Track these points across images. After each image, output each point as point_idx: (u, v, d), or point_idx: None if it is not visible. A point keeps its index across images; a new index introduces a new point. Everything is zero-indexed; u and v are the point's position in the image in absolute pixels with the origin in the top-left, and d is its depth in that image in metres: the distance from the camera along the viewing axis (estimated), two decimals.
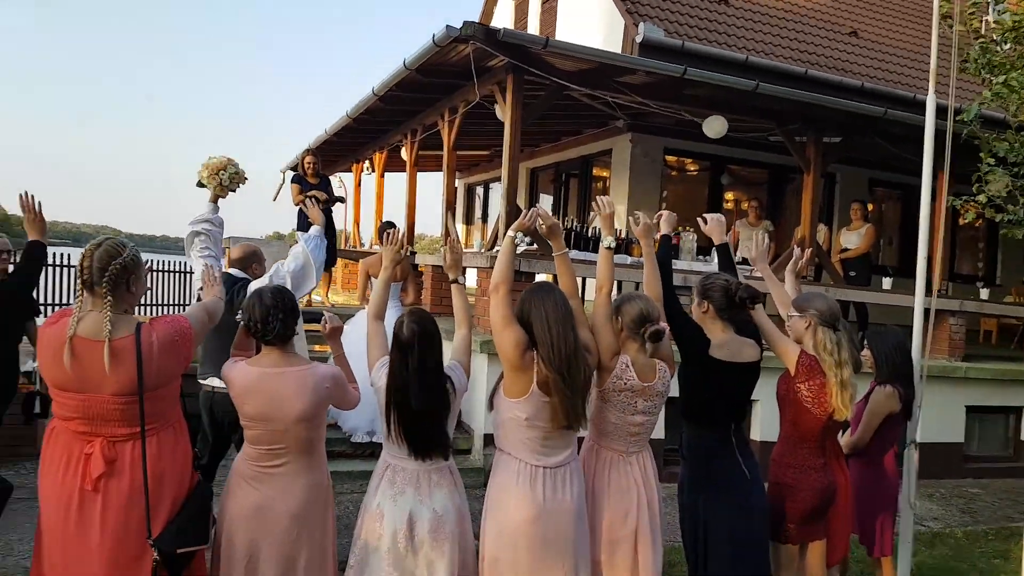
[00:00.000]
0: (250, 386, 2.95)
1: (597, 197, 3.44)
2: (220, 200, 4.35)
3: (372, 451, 6.01)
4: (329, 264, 9.28)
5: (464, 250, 7.66)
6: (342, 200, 9.47)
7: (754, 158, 10.52)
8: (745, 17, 10.66)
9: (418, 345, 2.91)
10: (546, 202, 13.42)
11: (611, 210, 3.35)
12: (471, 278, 8.55)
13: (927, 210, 4.07)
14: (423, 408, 2.90)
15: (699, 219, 3.81)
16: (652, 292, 3.32)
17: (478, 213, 16.31)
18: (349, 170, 14.31)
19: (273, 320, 2.95)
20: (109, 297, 2.65)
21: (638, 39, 9.00)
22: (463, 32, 5.80)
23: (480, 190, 16.13)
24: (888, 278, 8.38)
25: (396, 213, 11.43)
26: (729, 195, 11.16)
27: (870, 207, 10.23)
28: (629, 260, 7.26)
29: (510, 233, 3.16)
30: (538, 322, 2.87)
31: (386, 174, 12.60)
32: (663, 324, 3.10)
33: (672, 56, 8.80)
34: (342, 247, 12.47)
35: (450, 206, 8.63)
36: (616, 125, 9.86)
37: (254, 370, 2.97)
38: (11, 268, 5.45)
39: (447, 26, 5.89)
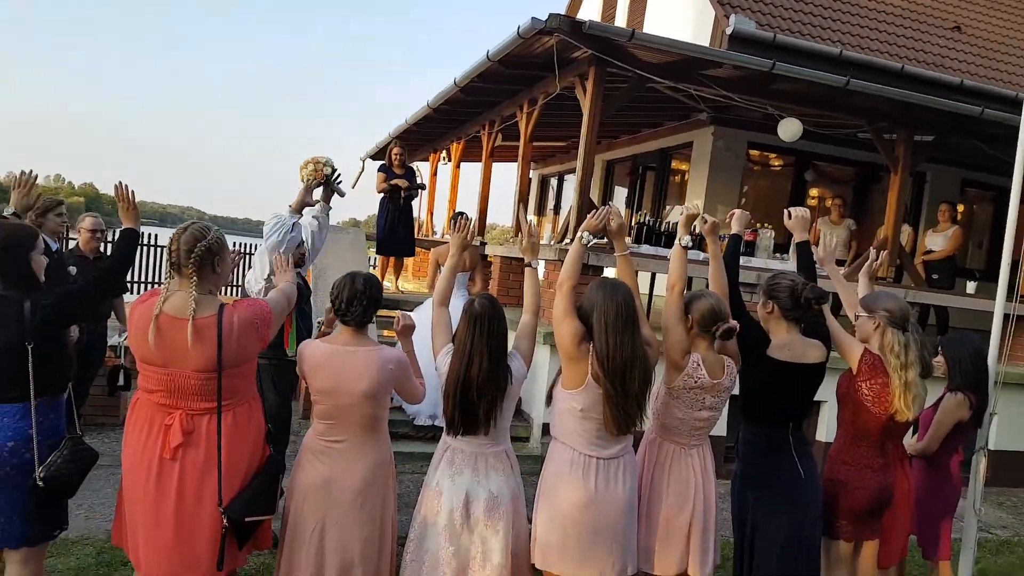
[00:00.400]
0: (320, 362, 3.08)
1: (687, 204, 3.45)
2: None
3: (433, 434, 6.15)
4: (406, 253, 9.43)
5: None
6: (423, 187, 9.60)
7: (841, 155, 10.16)
8: (840, 10, 10.26)
9: (488, 320, 3.01)
10: (620, 195, 13.29)
11: (695, 211, 3.35)
12: (539, 269, 8.55)
13: (1015, 213, 3.96)
14: (484, 382, 2.97)
15: (785, 212, 3.74)
16: (718, 290, 3.33)
17: (550, 204, 16.31)
18: (426, 159, 14.50)
19: (357, 304, 3.08)
20: (195, 277, 2.79)
21: (728, 31, 8.78)
22: (548, 24, 5.78)
23: (554, 181, 16.11)
24: (973, 282, 8.02)
25: (470, 203, 11.49)
26: (813, 192, 10.81)
27: (960, 208, 9.76)
28: (702, 256, 7.13)
29: (580, 233, 3.19)
30: (598, 325, 2.89)
31: (462, 164, 12.71)
32: (734, 322, 3.10)
33: (763, 49, 8.56)
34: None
35: (523, 197, 8.65)
36: (699, 118, 9.68)
37: (325, 347, 3.11)
38: (103, 247, 5.76)
39: (532, 18, 5.89)
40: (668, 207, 11.11)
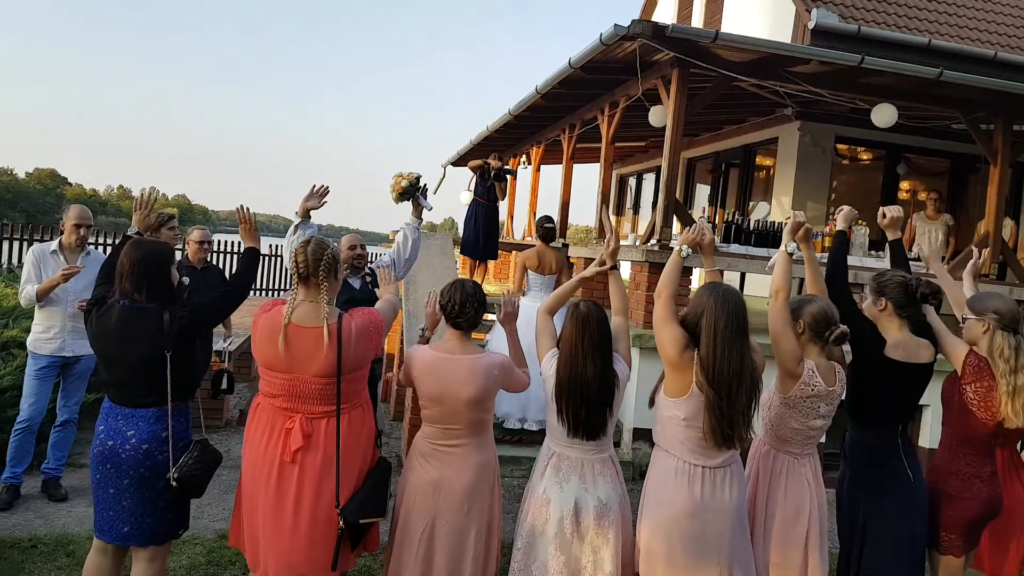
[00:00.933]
0: (427, 369, 3.22)
1: (793, 212, 3.38)
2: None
3: (520, 438, 6.25)
4: (489, 256, 9.62)
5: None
6: (512, 172, 9.84)
7: (934, 146, 9.81)
8: None
9: (596, 321, 3.04)
10: (703, 193, 13.16)
11: (802, 219, 3.31)
12: (624, 270, 8.59)
13: None
14: (597, 382, 3.00)
15: (880, 211, 3.69)
16: (817, 293, 3.29)
17: (629, 204, 16.25)
18: (506, 163, 14.69)
19: (469, 307, 3.22)
20: (325, 285, 2.99)
21: (811, 25, 8.63)
22: (631, 30, 5.85)
23: (632, 181, 16.06)
24: None
25: (550, 205, 11.59)
26: (905, 185, 10.47)
27: None
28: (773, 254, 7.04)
29: (678, 247, 3.19)
30: (706, 334, 2.82)
31: (541, 167, 12.84)
32: (844, 326, 3.06)
33: (847, 42, 8.39)
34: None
35: (606, 199, 8.72)
36: (784, 113, 9.52)
37: (432, 354, 3.25)
38: (210, 257, 6.08)
39: (615, 25, 5.96)
40: (752, 203, 10.95)
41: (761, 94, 8.06)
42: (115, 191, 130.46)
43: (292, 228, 4.15)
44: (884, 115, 6.84)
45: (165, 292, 3.12)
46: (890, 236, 3.65)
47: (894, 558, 3.14)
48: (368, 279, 5.12)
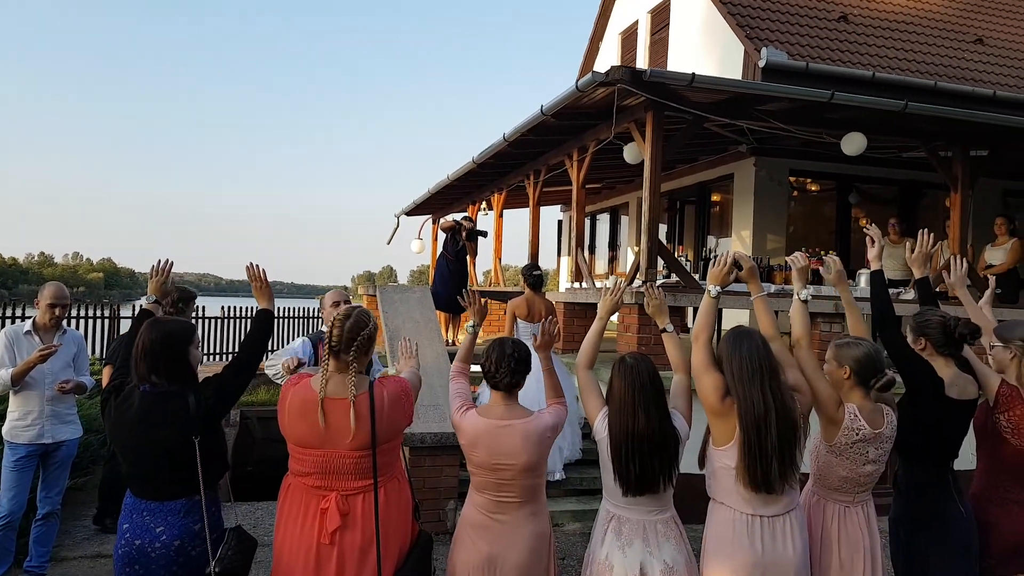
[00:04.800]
0: (479, 437, 3.07)
1: (796, 254, 3.33)
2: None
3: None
4: (459, 310, 9.70)
5: (595, 284, 7.67)
6: (484, 234, 10.06)
7: (883, 175, 10.22)
8: (866, 33, 10.42)
9: (645, 372, 2.94)
10: (660, 231, 13.35)
11: (804, 263, 3.26)
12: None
13: None
14: (655, 435, 2.88)
15: (906, 248, 3.69)
16: (860, 335, 3.26)
17: (584, 245, 16.39)
18: (464, 211, 14.67)
19: (504, 367, 3.10)
20: (355, 364, 2.85)
21: (761, 64, 8.95)
22: (609, 76, 5.92)
23: (587, 221, 16.22)
24: None
25: (516, 251, 11.66)
26: (857, 214, 10.85)
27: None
28: (772, 288, 7.17)
29: (708, 287, 3.12)
30: (728, 379, 2.82)
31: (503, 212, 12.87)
32: (891, 373, 3.02)
33: (796, 78, 8.70)
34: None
35: (580, 242, 8.74)
36: (739, 150, 9.77)
37: (483, 421, 3.09)
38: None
39: (592, 72, 6.05)
40: (715, 241, 11.15)
41: (722, 132, 8.26)
42: (36, 258, 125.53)
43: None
44: (854, 144, 7.07)
45: (185, 374, 2.91)
46: (916, 274, 3.64)
47: None
48: None
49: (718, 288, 3.11)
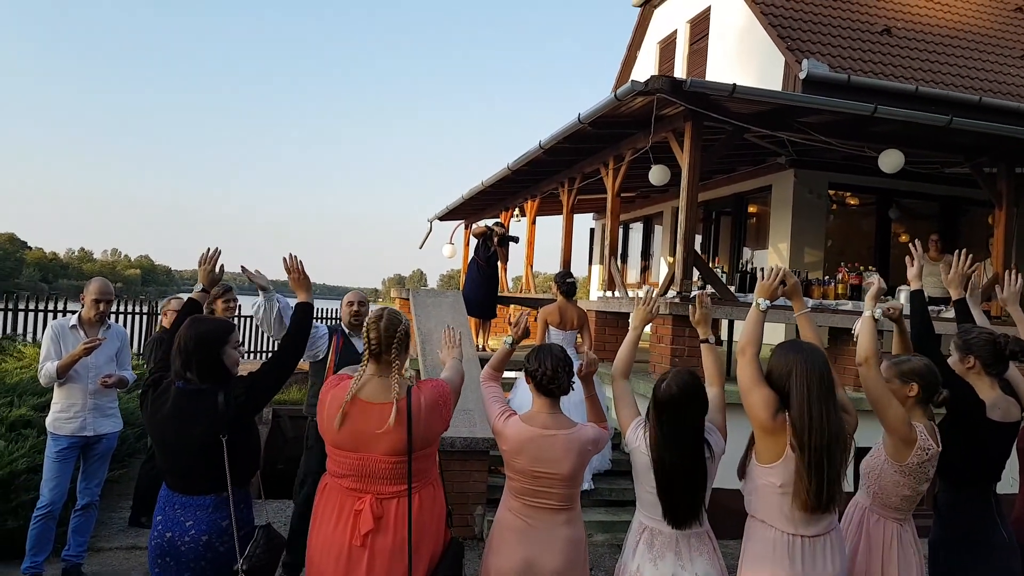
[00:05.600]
0: (522, 445, 3.05)
1: (876, 274, 3.35)
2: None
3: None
4: (491, 315, 9.79)
5: (632, 294, 7.63)
6: (516, 239, 10.12)
7: (924, 190, 10.04)
8: (910, 46, 10.28)
9: (675, 405, 2.85)
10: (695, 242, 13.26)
11: (881, 286, 3.22)
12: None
13: None
14: (680, 471, 2.84)
15: (941, 268, 3.67)
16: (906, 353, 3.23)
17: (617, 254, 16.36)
18: (497, 216, 14.72)
19: (562, 373, 3.08)
20: (397, 362, 2.86)
21: (801, 75, 8.86)
22: (649, 86, 5.91)
23: (619, 230, 16.18)
24: None
25: (548, 258, 11.70)
26: (897, 229, 10.67)
27: None
28: (810, 303, 7.07)
29: (756, 300, 3.07)
30: (798, 397, 2.69)
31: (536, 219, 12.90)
32: (946, 389, 2.99)
33: (837, 91, 8.59)
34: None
35: (614, 251, 8.71)
36: (777, 161, 9.68)
37: (527, 429, 3.06)
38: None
39: (632, 81, 6.04)
40: (749, 251, 11.05)
41: (761, 143, 8.20)
42: (76, 254, 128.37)
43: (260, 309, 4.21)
44: (891, 160, 6.96)
45: (219, 372, 2.91)
46: (954, 296, 3.60)
47: None
48: None
49: (768, 302, 3.05)
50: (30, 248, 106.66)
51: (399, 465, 2.81)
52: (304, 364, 4.49)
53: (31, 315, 9.98)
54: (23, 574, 4.40)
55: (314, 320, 4.42)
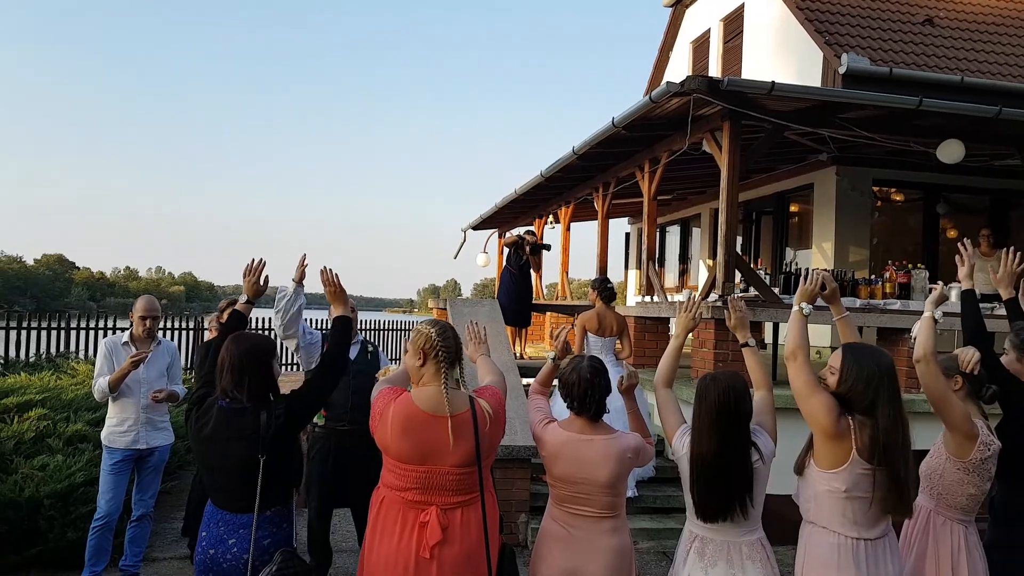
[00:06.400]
0: (560, 449, 3.04)
1: (939, 282, 3.29)
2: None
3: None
4: (525, 323, 9.82)
5: (671, 298, 7.57)
6: (548, 247, 10.15)
7: (973, 184, 9.78)
8: (953, 36, 10.04)
9: (720, 408, 2.83)
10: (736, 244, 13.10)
11: (944, 294, 3.17)
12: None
13: None
14: (726, 472, 2.81)
15: (989, 269, 3.59)
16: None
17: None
18: (530, 224, 14.72)
19: (591, 396, 3.05)
20: (457, 373, 2.87)
21: (841, 70, 8.70)
22: (685, 86, 5.86)
23: (656, 234, 16.05)
24: None
25: (578, 264, 11.68)
26: (945, 225, 10.40)
27: None
28: (858, 302, 6.92)
29: (798, 305, 3.02)
30: (879, 397, 2.64)
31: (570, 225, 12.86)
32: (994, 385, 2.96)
33: (879, 84, 8.43)
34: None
35: (652, 255, 8.64)
36: (819, 159, 9.52)
37: (564, 433, 3.07)
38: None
39: (667, 82, 5.99)
40: (791, 251, 10.87)
41: (801, 141, 8.06)
42: (122, 272, 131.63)
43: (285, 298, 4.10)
44: (952, 151, 6.74)
45: (265, 389, 2.92)
46: (1004, 295, 3.51)
47: None
48: (369, 349, 4.51)
49: (810, 306, 3.01)
50: (78, 268, 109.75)
51: (465, 476, 2.81)
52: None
53: (82, 333, 10.25)
54: None
55: (307, 327, 4.43)
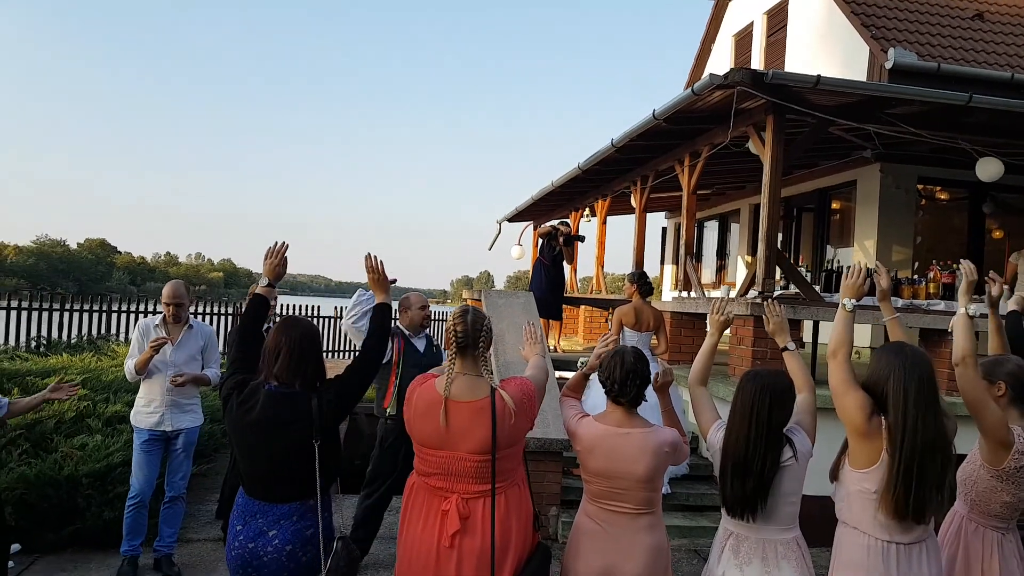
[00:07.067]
0: (595, 443, 3.00)
1: (962, 261, 3.17)
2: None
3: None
4: (557, 316, 9.77)
5: (708, 294, 7.46)
6: (582, 238, 10.09)
7: (1021, 183, 9.47)
8: (1004, 31, 9.75)
9: (758, 404, 2.79)
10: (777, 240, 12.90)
11: (971, 277, 3.07)
12: None
13: None
14: (751, 467, 2.77)
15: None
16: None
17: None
18: (566, 217, 14.64)
19: (631, 385, 3.00)
20: (483, 358, 2.85)
21: (888, 65, 8.51)
22: (728, 79, 5.75)
23: (695, 228, 15.86)
24: None
25: (613, 257, 11.59)
26: (992, 225, 10.12)
27: None
28: (900, 303, 6.76)
29: (843, 301, 2.94)
30: (895, 400, 2.60)
31: (607, 219, 12.77)
32: None
33: (926, 80, 8.23)
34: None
35: (689, 250, 8.53)
36: (862, 155, 9.31)
37: (599, 427, 3.02)
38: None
39: (709, 75, 5.89)
40: (832, 249, 10.66)
41: (845, 136, 7.89)
42: (162, 257, 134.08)
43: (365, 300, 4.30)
44: (990, 170, 6.57)
45: (321, 375, 2.91)
46: None
47: None
48: (434, 343, 5.07)
49: (854, 301, 2.92)
50: (119, 253, 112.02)
51: (483, 464, 2.78)
52: None
53: (122, 316, 10.48)
54: (123, 556, 4.60)
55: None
